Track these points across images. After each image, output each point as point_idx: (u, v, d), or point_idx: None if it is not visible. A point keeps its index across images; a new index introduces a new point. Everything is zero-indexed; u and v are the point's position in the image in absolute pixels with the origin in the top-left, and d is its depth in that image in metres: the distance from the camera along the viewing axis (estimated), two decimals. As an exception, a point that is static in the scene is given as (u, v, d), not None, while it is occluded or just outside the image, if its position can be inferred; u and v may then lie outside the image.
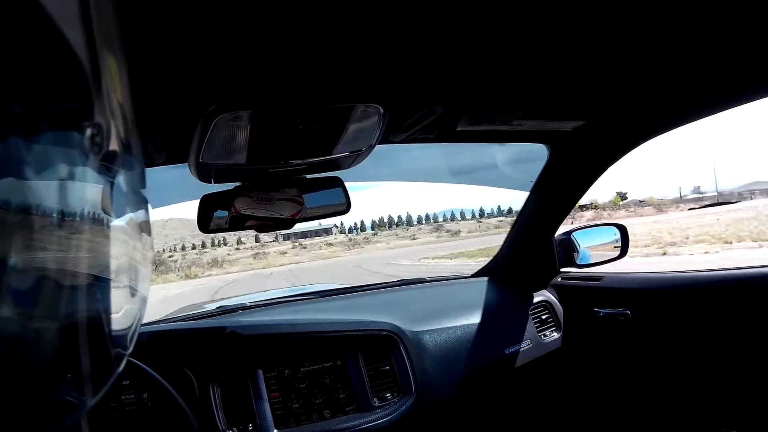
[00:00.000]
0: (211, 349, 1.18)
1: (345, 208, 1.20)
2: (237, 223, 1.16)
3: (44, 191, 0.22)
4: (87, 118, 0.24)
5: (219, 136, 0.91)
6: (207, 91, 0.82)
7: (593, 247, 1.75)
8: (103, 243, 0.27)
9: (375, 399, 1.25)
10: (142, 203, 0.33)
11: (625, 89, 1.09)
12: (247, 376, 1.18)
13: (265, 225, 1.17)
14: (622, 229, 1.74)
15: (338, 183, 1.19)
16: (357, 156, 1.11)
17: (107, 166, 0.26)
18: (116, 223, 0.29)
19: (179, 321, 1.41)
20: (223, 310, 1.44)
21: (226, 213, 1.16)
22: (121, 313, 0.29)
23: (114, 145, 0.26)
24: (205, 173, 1.08)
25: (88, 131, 0.24)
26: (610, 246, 1.74)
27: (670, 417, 1.42)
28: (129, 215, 0.31)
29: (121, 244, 0.29)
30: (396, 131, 1.16)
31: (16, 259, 0.19)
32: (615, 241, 1.73)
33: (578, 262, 1.71)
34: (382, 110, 0.93)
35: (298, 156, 1.07)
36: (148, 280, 0.34)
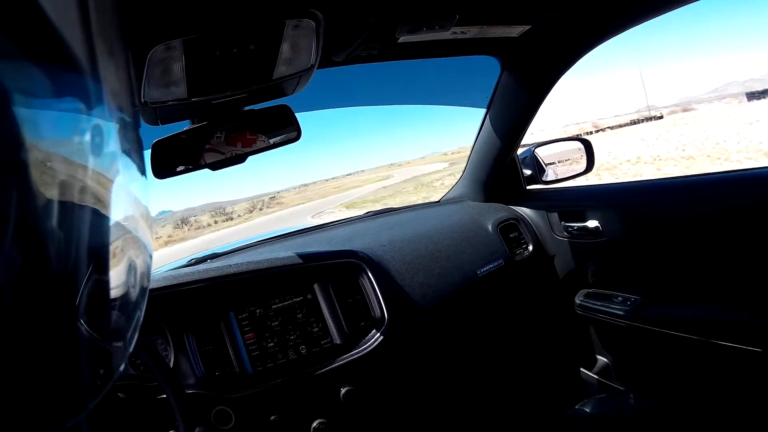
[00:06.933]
0: (184, 299, 1.17)
1: (296, 135, 1.20)
2: (191, 164, 1.15)
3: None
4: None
5: (156, 72, 0.90)
6: (135, 25, 0.80)
7: (558, 162, 1.75)
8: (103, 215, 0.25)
9: (348, 330, 1.25)
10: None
11: None
12: (220, 320, 1.18)
13: (219, 162, 1.17)
14: (586, 143, 1.73)
15: (286, 110, 1.18)
16: (299, 79, 1.10)
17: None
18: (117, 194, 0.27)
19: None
20: (195, 261, 1.44)
21: (179, 155, 1.15)
22: (120, 310, 0.28)
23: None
24: (150, 115, 1.07)
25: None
26: (575, 161, 1.75)
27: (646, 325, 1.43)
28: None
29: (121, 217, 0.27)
30: (336, 50, 1.14)
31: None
32: (579, 156, 1.73)
33: (544, 178, 1.71)
34: (314, 24, 0.92)
35: (239, 83, 1.05)
36: (149, 272, 0.32)
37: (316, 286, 1.28)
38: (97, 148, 0.24)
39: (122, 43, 0.27)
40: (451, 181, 1.92)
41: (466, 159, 1.78)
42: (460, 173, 1.84)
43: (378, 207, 2.05)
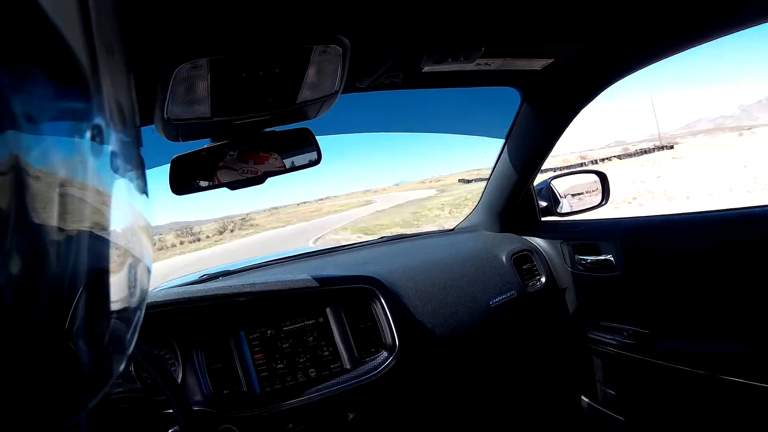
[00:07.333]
0: (194, 316, 1.17)
1: (316, 158, 1.19)
2: (209, 182, 1.14)
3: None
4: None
5: (181, 89, 0.90)
6: (163, 42, 0.80)
7: (574, 195, 1.75)
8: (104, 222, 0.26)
9: (359, 356, 1.25)
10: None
11: (592, 23, 1.07)
12: (230, 339, 1.18)
13: (237, 182, 1.15)
14: (602, 176, 1.74)
15: (307, 133, 1.18)
16: (322, 103, 1.09)
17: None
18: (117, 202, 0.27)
19: (163, 290, 1.38)
20: (207, 277, 1.44)
21: (198, 173, 1.14)
22: (121, 311, 0.28)
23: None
24: (172, 131, 1.07)
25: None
26: (591, 194, 1.74)
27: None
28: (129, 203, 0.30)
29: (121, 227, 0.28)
30: (361, 76, 1.14)
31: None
32: (596, 189, 1.74)
33: (559, 210, 1.70)
34: (341, 51, 0.92)
35: (262, 105, 1.05)
36: (148, 276, 0.33)
37: (328, 310, 1.28)
38: (96, 152, 0.25)
39: (125, 62, 0.29)
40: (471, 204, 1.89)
41: (449, 186, 1.77)
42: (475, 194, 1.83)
43: (399, 231, 2.06)
